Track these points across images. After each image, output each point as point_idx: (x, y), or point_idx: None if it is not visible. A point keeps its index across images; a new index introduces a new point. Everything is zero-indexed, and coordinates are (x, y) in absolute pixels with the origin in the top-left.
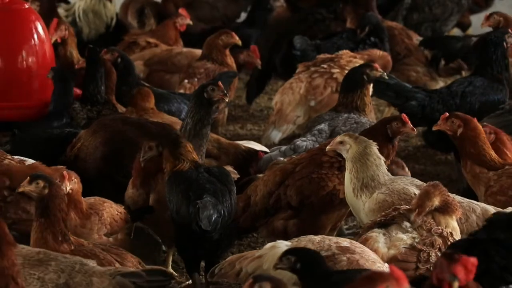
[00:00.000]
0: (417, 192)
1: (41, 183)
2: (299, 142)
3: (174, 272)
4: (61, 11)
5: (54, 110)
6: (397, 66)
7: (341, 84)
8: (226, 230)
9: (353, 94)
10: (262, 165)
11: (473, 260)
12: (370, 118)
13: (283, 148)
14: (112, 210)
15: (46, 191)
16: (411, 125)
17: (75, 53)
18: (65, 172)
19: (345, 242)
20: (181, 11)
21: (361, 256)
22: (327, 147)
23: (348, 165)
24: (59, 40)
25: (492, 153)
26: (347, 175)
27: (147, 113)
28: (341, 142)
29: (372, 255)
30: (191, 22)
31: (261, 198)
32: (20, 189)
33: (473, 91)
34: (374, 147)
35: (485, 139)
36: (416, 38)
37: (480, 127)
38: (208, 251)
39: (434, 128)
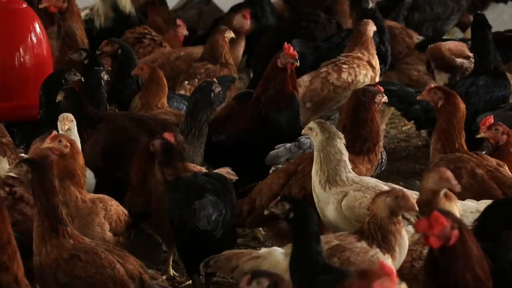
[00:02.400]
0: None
1: (24, 167)
2: (303, 139)
3: (175, 272)
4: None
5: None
6: (398, 66)
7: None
8: (229, 230)
9: None
10: (269, 160)
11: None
12: None
13: (288, 145)
14: (119, 210)
15: (29, 175)
16: None
17: (78, 31)
18: (54, 131)
19: (333, 240)
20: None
21: (351, 251)
22: (302, 131)
23: (314, 154)
24: (52, 10)
25: (461, 137)
26: (314, 165)
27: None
28: (310, 129)
29: (360, 244)
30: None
31: (266, 201)
32: (7, 171)
33: (477, 91)
34: (338, 140)
35: (462, 120)
36: (417, 37)
37: (462, 106)
38: (211, 252)
39: (419, 98)
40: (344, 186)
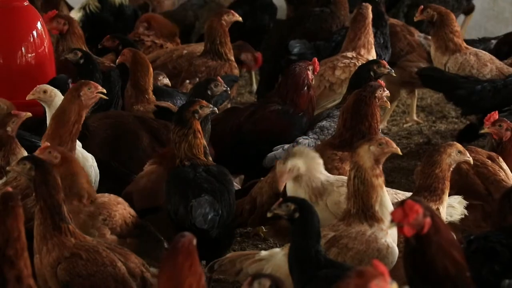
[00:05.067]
0: None
1: (28, 164)
2: (301, 140)
3: None
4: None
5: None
6: (399, 63)
7: (349, 81)
8: (225, 230)
9: None
10: (267, 163)
11: (410, 203)
12: None
13: (286, 146)
14: (125, 213)
15: (33, 173)
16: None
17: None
18: (46, 143)
19: (329, 233)
20: None
21: (348, 237)
22: (279, 187)
23: (300, 181)
24: (53, 32)
25: None
26: (297, 190)
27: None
28: (290, 170)
29: (355, 229)
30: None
31: (267, 199)
32: (8, 168)
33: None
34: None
35: None
36: (418, 35)
37: None
38: (207, 250)
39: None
40: (328, 187)
